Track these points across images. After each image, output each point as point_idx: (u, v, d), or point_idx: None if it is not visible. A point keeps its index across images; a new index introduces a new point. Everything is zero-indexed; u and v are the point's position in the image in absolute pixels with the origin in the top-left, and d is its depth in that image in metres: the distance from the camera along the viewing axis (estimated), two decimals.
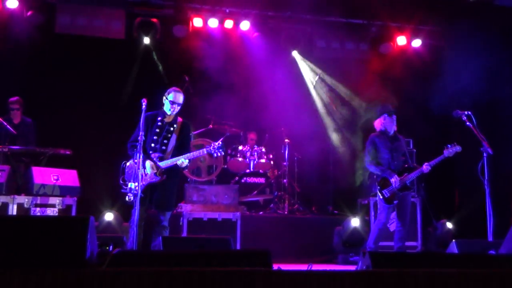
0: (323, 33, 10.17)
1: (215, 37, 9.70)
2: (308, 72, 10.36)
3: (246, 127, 9.69)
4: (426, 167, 6.41)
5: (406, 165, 6.56)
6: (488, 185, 6.02)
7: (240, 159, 9.34)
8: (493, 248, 4.33)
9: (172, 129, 5.81)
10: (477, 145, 6.18)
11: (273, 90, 9.37)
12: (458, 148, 6.42)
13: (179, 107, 5.84)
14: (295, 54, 10.23)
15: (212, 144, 5.75)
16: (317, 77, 10.05)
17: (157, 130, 5.73)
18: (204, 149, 5.72)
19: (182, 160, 5.61)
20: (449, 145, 6.43)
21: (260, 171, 9.35)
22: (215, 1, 9.52)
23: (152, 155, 5.68)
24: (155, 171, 5.58)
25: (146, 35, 9.38)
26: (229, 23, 9.68)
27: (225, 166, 9.23)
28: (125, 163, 5.74)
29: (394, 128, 6.70)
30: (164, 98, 5.83)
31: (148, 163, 5.62)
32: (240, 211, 7.55)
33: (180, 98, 5.83)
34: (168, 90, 5.86)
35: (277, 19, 9.99)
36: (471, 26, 9.01)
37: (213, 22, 9.58)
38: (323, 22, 10.06)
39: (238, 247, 7.08)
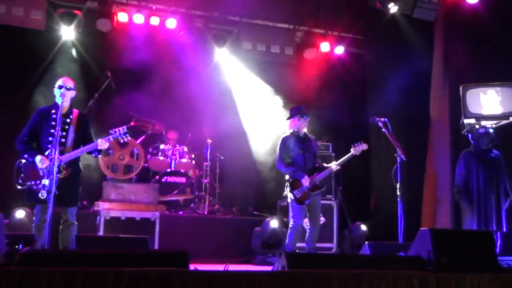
0: (250, 35, 10.25)
1: (140, 34, 9.47)
2: (233, 73, 10.39)
3: (168, 126, 9.57)
4: (335, 166, 6.58)
5: (316, 165, 6.64)
6: (400, 189, 6.28)
7: (161, 158, 9.20)
8: (402, 250, 4.51)
9: (68, 120, 5.58)
10: (392, 151, 6.43)
11: (197, 89, 9.32)
12: (364, 146, 6.59)
13: (69, 92, 5.58)
14: (220, 54, 10.21)
15: (117, 130, 5.55)
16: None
17: (53, 123, 5.40)
18: (110, 136, 5.52)
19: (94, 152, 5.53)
20: (356, 144, 6.59)
21: (181, 170, 9.28)
22: None
23: (49, 151, 5.32)
24: (47, 165, 5.24)
25: (68, 27, 9.05)
26: (155, 20, 9.50)
27: (146, 165, 9.06)
28: (21, 161, 5.46)
29: (305, 129, 6.71)
30: (54, 90, 5.60)
31: (37, 158, 5.36)
32: (159, 211, 7.44)
33: (69, 82, 5.64)
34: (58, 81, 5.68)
35: (204, 19, 9.96)
36: (391, 36, 9.41)
37: (138, 18, 9.40)
38: (250, 24, 10.16)
39: (156, 247, 6.99)
